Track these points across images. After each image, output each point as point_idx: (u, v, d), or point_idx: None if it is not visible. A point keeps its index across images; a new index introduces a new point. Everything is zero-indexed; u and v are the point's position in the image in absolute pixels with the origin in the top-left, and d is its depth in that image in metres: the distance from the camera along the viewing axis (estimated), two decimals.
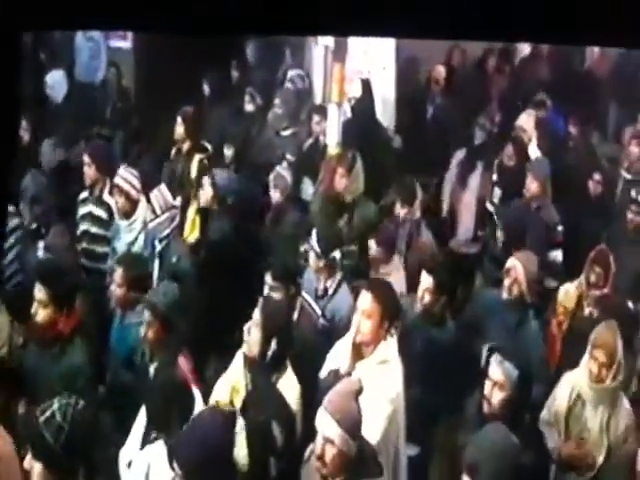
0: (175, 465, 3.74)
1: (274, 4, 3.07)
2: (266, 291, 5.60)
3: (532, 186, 7.21)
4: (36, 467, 3.69)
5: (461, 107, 8.94)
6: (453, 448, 4.77)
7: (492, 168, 7.91)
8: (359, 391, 4.03)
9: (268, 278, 5.63)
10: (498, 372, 4.59)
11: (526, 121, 8.30)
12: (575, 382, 5.11)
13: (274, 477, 4.63)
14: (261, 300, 5.01)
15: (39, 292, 5.03)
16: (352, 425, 3.91)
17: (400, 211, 6.95)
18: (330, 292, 5.93)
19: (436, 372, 5.23)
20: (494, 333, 5.58)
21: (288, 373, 4.88)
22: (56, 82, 8.78)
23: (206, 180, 7.05)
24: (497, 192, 7.76)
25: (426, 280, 5.57)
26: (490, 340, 5.38)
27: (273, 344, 4.80)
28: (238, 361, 5.00)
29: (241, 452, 4.50)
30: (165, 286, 5.56)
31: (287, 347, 4.89)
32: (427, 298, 5.56)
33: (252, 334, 4.86)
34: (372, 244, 6.47)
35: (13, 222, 6.40)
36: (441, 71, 9.25)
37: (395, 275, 6.32)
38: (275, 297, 5.47)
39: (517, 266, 5.81)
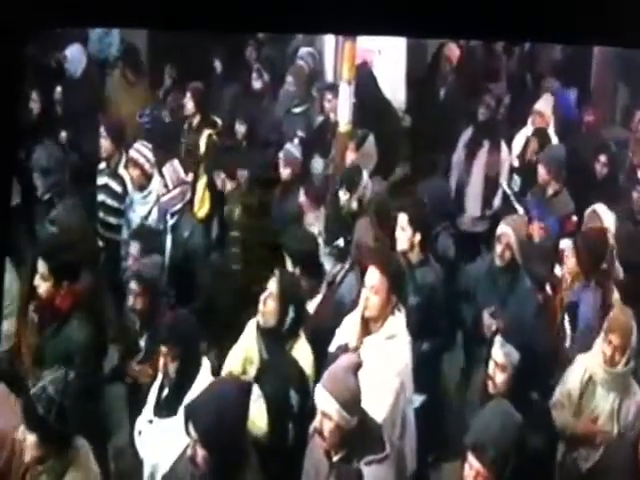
0: (191, 431, 3.82)
1: (281, 4, 3.13)
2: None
3: (548, 172, 7.15)
4: (29, 438, 3.79)
5: (470, 86, 8.95)
6: None
7: (499, 146, 7.92)
8: (358, 366, 4.08)
9: (289, 264, 5.64)
10: (500, 355, 4.65)
11: (544, 105, 8.26)
12: (588, 365, 5.11)
13: (291, 441, 4.74)
14: (277, 272, 5.05)
15: (41, 266, 5.02)
16: (349, 400, 3.95)
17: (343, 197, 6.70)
18: (338, 280, 5.89)
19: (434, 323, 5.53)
20: (488, 298, 5.76)
21: (301, 340, 4.96)
22: (75, 57, 8.80)
23: None
24: (516, 179, 7.77)
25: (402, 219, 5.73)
26: (484, 305, 5.67)
27: (291, 313, 4.89)
28: (250, 331, 5.06)
29: (260, 419, 4.63)
30: (150, 258, 5.70)
31: (303, 316, 5.00)
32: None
33: (267, 305, 4.93)
34: (302, 194, 6.66)
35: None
36: (454, 50, 9.17)
37: (315, 227, 6.45)
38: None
39: (508, 231, 5.87)
